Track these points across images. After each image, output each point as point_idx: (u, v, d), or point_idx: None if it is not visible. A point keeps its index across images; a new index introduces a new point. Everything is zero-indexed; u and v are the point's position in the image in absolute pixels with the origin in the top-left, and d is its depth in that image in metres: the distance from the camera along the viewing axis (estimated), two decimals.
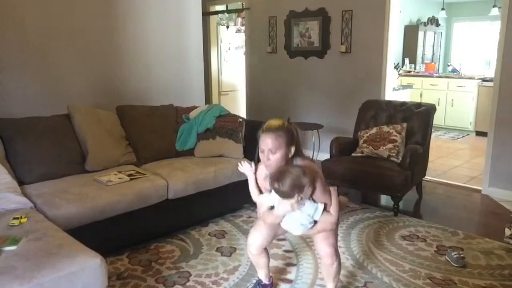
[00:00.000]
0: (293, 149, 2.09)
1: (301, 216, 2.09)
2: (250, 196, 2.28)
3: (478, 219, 3.88)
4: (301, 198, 2.02)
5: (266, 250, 2.39)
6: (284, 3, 5.74)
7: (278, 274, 2.77)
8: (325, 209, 2.13)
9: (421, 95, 7.74)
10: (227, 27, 7.51)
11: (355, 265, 2.88)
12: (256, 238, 2.30)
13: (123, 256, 2.98)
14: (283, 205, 2.05)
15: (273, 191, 2.07)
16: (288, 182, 1.98)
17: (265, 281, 2.51)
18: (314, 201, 2.11)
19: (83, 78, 4.08)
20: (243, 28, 7.23)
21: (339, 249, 3.05)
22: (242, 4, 6.55)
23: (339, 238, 3.24)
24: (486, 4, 7.71)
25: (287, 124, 2.12)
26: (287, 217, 2.12)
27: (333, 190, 2.17)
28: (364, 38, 5.05)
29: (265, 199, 2.17)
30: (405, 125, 3.96)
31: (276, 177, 2.02)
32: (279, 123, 2.10)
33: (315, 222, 2.14)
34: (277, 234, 2.37)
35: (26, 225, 2.28)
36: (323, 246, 2.23)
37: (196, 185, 3.33)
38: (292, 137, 2.09)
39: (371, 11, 4.93)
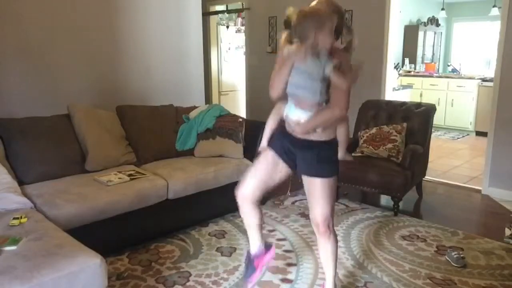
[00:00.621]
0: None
1: (313, 65, 1.89)
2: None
3: (478, 219, 3.88)
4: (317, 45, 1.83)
5: (259, 209, 2.28)
6: (284, 3, 5.71)
7: (278, 274, 2.77)
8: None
9: (421, 95, 7.74)
10: (227, 27, 7.51)
11: (355, 265, 2.88)
12: (243, 188, 2.20)
13: (123, 256, 2.98)
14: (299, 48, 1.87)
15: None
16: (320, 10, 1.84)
17: (255, 250, 2.36)
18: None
19: (83, 78, 4.08)
20: (243, 28, 7.23)
21: (339, 249, 3.06)
22: (242, 4, 6.55)
23: (339, 238, 3.25)
24: (486, 4, 7.71)
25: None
26: (296, 75, 1.94)
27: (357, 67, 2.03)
28: (364, 38, 5.04)
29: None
30: (405, 125, 3.96)
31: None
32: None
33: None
34: (268, 182, 2.22)
35: (26, 225, 2.28)
36: (318, 209, 2.11)
37: (196, 185, 3.33)
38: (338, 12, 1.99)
39: (371, 11, 4.93)
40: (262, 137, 2.30)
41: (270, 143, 2.25)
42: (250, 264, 2.40)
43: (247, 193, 2.22)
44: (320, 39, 1.87)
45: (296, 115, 2.04)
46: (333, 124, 2.09)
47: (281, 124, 2.20)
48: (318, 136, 2.08)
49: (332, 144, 2.16)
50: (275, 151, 2.21)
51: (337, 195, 4.03)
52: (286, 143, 2.16)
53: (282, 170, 2.22)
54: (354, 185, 3.89)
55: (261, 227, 2.36)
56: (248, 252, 2.43)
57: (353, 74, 2.00)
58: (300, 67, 1.95)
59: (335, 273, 2.33)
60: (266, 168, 2.22)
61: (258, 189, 2.22)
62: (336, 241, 2.25)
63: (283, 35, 2.01)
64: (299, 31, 1.89)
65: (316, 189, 2.12)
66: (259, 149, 2.27)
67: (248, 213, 2.29)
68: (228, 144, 3.73)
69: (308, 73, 1.94)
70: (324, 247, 2.24)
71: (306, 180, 2.16)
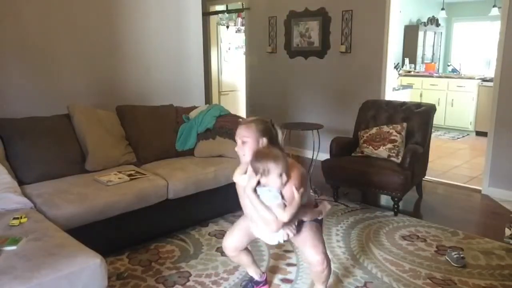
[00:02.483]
0: (265, 140, 2.08)
1: (268, 194, 2.00)
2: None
3: (478, 219, 3.88)
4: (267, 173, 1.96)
5: (246, 248, 2.41)
6: (284, 3, 5.74)
7: (278, 274, 2.77)
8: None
9: (421, 95, 7.74)
10: (227, 27, 7.51)
11: (355, 265, 2.88)
12: (228, 241, 2.34)
13: (123, 256, 2.98)
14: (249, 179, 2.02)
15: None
16: (264, 155, 1.98)
17: (256, 278, 2.53)
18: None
19: (83, 78, 4.08)
20: (243, 28, 7.23)
21: (339, 249, 3.06)
22: (242, 4, 6.55)
23: (339, 238, 3.25)
24: (486, 4, 7.71)
25: (265, 120, 2.15)
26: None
27: (322, 205, 2.20)
28: (364, 38, 5.05)
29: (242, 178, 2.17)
30: (405, 125, 3.96)
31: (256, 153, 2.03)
32: (255, 118, 2.16)
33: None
34: (251, 238, 2.32)
35: (26, 225, 2.28)
36: (312, 254, 2.16)
37: (196, 185, 3.33)
38: (266, 129, 2.11)
39: (371, 11, 4.93)
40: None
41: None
42: (252, 285, 2.56)
43: (231, 247, 2.35)
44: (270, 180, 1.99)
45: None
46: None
47: None
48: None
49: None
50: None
51: (337, 195, 4.05)
52: None
53: None
54: (354, 185, 3.89)
55: (254, 261, 2.51)
56: (251, 279, 2.56)
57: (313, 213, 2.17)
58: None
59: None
60: (245, 234, 2.30)
61: (240, 242, 2.34)
62: (330, 268, 2.25)
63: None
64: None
65: (304, 234, 2.18)
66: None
67: (237, 256, 2.41)
68: (228, 144, 3.72)
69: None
70: (317, 275, 2.25)
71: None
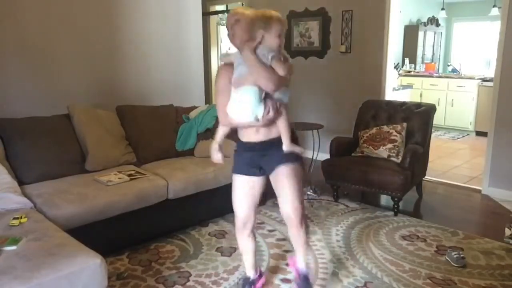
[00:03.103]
0: (251, 20, 2.09)
1: (264, 50, 2.04)
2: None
3: (478, 219, 3.88)
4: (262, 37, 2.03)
5: (253, 233, 2.39)
6: (284, 3, 5.74)
7: (278, 274, 2.77)
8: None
9: (421, 95, 7.74)
10: None
11: (355, 265, 2.88)
12: (239, 215, 2.31)
13: (123, 256, 2.98)
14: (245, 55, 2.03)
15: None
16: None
17: (252, 274, 2.49)
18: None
19: (83, 78, 4.08)
20: None
21: (340, 249, 3.06)
22: (242, 4, 6.55)
23: (339, 238, 3.25)
24: (486, 4, 7.71)
25: None
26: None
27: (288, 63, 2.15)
28: (364, 38, 5.05)
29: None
30: (405, 125, 3.96)
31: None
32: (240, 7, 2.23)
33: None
34: (255, 198, 2.31)
35: (26, 225, 2.28)
36: (287, 209, 2.18)
37: (196, 185, 3.33)
38: (254, 11, 2.15)
39: (371, 11, 4.93)
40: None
41: (234, 168, 2.35)
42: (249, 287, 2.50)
43: (244, 220, 2.32)
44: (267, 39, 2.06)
45: (249, 107, 2.06)
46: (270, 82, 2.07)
47: (236, 147, 2.34)
48: (276, 132, 2.17)
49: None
50: (243, 172, 2.29)
51: (337, 195, 4.05)
52: (248, 157, 2.26)
53: (257, 183, 2.30)
54: (354, 185, 3.89)
55: (255, 253, 2.48)
56: (247, 276, 2.52)
57: (288, 66, 2.11)
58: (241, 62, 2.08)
59: (306, 253, 2.42)
60: (245, 193, 2.30)
61: (250, 213, 2.32)
62: (308, 228, 2.30)
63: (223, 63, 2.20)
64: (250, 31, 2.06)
65: (283, 178, 2.17)
66: (213, 156, 2.36)
67: (246, 240, 2.38)
68: (228, 144, 3.70)
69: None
70: (295, 235, 2.29)
71: (274, 174, 2.21)
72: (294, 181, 2.18)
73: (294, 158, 2.21)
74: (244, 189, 2.29)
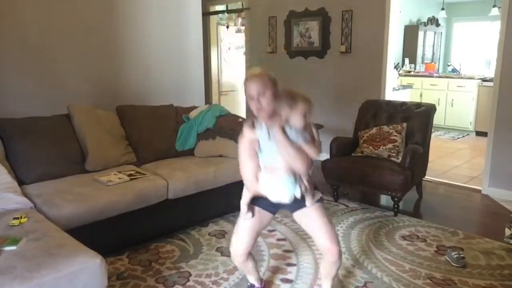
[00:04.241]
0: (277, 90, 2.06)
1: (292, 132, 2.00)
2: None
3: (478, 219, 3.88)
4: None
5: (251, 254, 2.34)
6: (284, 3, 5.74)
7: (278, 274, 2.77)
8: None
9: (421, 95, 7.74)
10: (227, 27, 7.50)
11: (355, 265, 2.88)
12: (238, 247, 2.25)
13: (123, 256, 2.98)
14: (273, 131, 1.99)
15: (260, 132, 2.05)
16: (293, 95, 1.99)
17: (257, 285, 2.51)
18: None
19: (83, 78, 4.08)
20: (243, 28, 7.23)
21: None
22: (242, 4, 6.55)
23: (339, 238, 3.23)
24: (486, 4, 7.71)
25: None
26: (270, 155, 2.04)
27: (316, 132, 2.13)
28: (364, 38, 5.05)
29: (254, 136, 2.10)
30: (405, 125, 3.96)
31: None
32: (259, 69, 2.11)
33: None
34: (258, 233, 2.29)
35: (26, 225, 2.28)
36: (329, 244, 2.16)
37: (196, 185, 3.33)
38: (274, 79, 2.09)
39: (371, 11, 4.93)
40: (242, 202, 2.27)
41: (253, 201, 2.26)
42: None
43: (241, 253, 2.26)
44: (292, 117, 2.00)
45: (287, 194, 2.09)
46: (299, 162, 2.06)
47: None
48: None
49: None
50: (260, 206, 2.23)
51: (337, 195, 4.04)
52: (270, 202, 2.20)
53: (267, 217, 2.27)
54: (354, 185, 3.89)
55: (257, 268, 2.47)
56: (251, 284, 2.52)
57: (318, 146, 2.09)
58: (267, 139, 2.05)
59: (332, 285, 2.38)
60: (253, 224, 2.24)
61: (251, 243, 2.26)
62: (341, 260, 2.27)
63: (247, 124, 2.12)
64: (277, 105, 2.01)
65: (317, 219, 2.17)
66: (241, 213, 2.26)
67: (244, 262, 2.33)
68: (228, 144, 3.73)
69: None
70: (330, 267, 2.26)
71: (302, 215, 2.20)
72: (326, 217, 2.20)
73: (319, 196, 2.23)
74: (254, 219, 2.23)
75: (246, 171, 2.16)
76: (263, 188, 2.12)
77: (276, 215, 2.34)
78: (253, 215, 2.20)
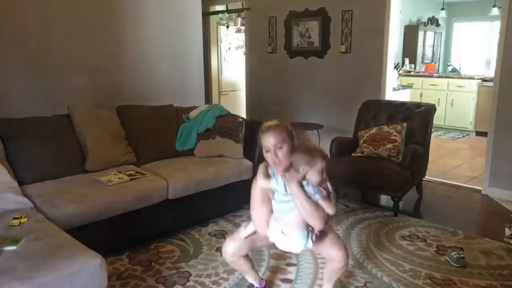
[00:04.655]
0: (294, 143, 2.07)
1: (310, 188, 2.02)
2: (250, 196, 2.21)
3: (478, 219, 3.88)
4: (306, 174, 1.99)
5: (246, 254, 2.34)
6: (284, 3, 5.74)
7: (278, 274, 2.77)
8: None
9: (421, 95, 7.74)
10: (227, 27, 7.50)
11: (355, 265, 2.88)
12: (229, 247, 2.25)
13: (123, 256, 2.98)
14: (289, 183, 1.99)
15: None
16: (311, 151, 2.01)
17: (256, 284, 2.49)
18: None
19: (84, 78, 4.08)
20: (243, 28, 7.23)
21: None
22: (242, 4, 6.55)
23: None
24: (486, 4, 7.71)
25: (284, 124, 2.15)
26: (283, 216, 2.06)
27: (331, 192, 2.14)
28: (364, 38, 5.05)
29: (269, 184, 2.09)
30: (405, 125, 3.96)
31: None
32: (276, 121, 2.11)
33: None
34: (255, 246, 2.31)
35: (26, 225, 2.28)
36: (335, 251, 2.17)
37: (196, 185, 3.33)
38: (291, 132, 2.09)
39: (371, 11, 4.93)
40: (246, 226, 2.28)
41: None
42: None
43: (231, 252, 2.26)
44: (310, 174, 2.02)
45: (298, 246, 2.10)
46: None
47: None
48: None
49: None
50: None
51: (337, 195, 4.04)
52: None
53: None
54: (354, 185, 3.89)
55: (253, 267, 2.46)
56: (251, 284, 2.51)
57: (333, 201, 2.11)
58: (283, 193, 2.05)
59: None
60: (254, 238, 2.24)
61: (241, 249, 2.26)
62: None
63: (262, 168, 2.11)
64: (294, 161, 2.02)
65: (326, 243, 2.18)
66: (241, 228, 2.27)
67: (236, 261, 2.33)
68: (228, 144, 3.73)
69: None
70: (336, 271, 2.27)
71: None
72: (333, 231, 2.22)
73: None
74: (250, 238, 2.24)
75: (257, 216, 2.16)
76: (275, 239, 2.12)
77: None
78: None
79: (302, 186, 1.98)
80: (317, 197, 2.00)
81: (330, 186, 2.09)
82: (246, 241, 2.25)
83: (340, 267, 2.21)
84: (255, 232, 2.20)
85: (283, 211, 2.07)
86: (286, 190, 2.03)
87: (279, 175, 2.04)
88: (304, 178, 2.00)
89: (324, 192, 2.03)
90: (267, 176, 2.07)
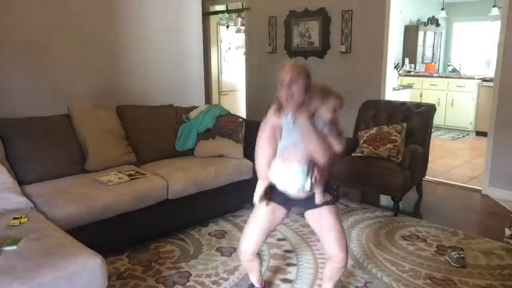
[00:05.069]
0: (310, 83, 2.05)
1: (320, 122, 2.01)
2: (249, 196, 2.22)
3: (478, 219, 3.88)
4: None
5: (259, 254, 2.34)
6: (284, 3, 5.74)
7: (278, 274, 2.77)
8: None
9: (421, 95, 7.74)
10: (227, 27, 7.51)
11: (355, 265, 2.88)
12: (248, 245, 2.23)
13: (123, 256, 2.98)
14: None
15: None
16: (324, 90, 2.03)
17: (257, 284, 2.50)
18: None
19: (83, 78, 4.08)
20: (243, 28, 7.23)
21: None
22: (242, 4, 6.55)
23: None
24: (486, 4, 7.71)
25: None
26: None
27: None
28: (364, 38, 5.05)
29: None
30: (405, 125, 3.96)
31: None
32: (294, 61, 2.11)
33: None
34: (270, 230, 2.28)
35: (26, 225, 2.28)
36: (337, 250, 2.15)
37: (196, 185, 3.33)
38: (309, 72, 2.07)
39: (371, 11, 4.93)
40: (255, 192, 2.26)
41: (268, 194, 2.24)
42: None
43: (251, 251, 2.24)
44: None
45: (296, 183, 2.07)
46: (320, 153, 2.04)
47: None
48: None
49: (327, 186, 2.23)
50: (274, 200, 2.21)
51: (337, 195, 4.05)
52: (286, 196, 2.18)
53: (280, 214, 2.25)
54: (354, 185, 3.89)
55: (260, 269, 2.45)
56: (251, 284, 2.50)
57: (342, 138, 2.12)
58: (291, 127, 2.05)
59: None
60: (266, 220, 2.22)
61: (261, 241, 2.26)
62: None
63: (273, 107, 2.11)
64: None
65: (330, 221, 2.16)
66: (254, 202, 2.24)
67: (251, 261, 2.31)
68: (228, 144, 3.73)
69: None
70: (336, 272, 2.25)
71: (314, 215, 2.19)
72: (338, 221, 2.19)
73: (333, 198, 2.22)
74: (268, 214, 2.20)
75: (261, 157, 2.16)
76: (274, 175, 2.10)
77: (285, 219, 2.32)
78: (267, 204, 2.18)
79: (311, 119, 1.98)
80: (325, 131, 2.00)
81: (342, 129, 2.08)
82: (263, 231, 2.20)
83: (340, 267, 2.21)
84: (266, 191, 2.17)
85: (288, 146, 2.06)
86: (294, 125, 2.01)
87: (290, 113, 2.01)
88: (315, 113, 2.00)
89: (335, 130, 2.04)
90: (279, 113, 2.06)
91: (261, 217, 2.22)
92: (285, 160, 2.06)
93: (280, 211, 2.23)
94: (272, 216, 2.22)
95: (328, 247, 2.20)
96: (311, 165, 2.04)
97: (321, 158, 2.00)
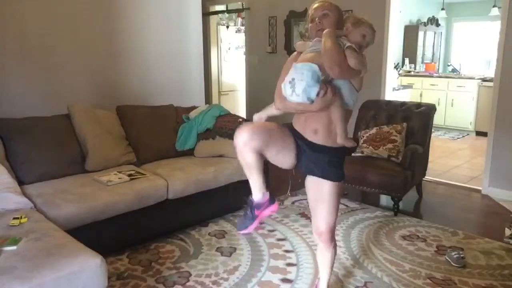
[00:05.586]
0: (341, 19, 2.05)
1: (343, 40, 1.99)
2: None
3: (478, 219, 3.88)
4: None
5: (260, 157, 1.91)
6: (284, 3, 5.74)
7: (278, 274, 2.77)
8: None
9: (421, 95, 7.74)
10: (227, 27, 7.51)
11: (355, 265, 2.88)
12: (246, 134, 1.84)
13: (123, 256, 2.98)
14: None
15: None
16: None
17: (257, 198, 1.97)
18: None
19: (83, 78, 4.08)
20: (243, 28, 7.23)
21: (339, 249, 3.06)
22: (242, 4, 6.55)
23: (339, 238, 3.25)
24: (486, 4, 7.71)
25: None
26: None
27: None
28: None
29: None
30: (405, 125, 3.96)
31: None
32: None
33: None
34: (272, 140, 1.94)
35: (26, 225, 2.28)
36: (323, 227, 2.08)
37: (196, 185, 3.33)
38: (340, 10, 2.09)
39: (371, 11, 4.93)
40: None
41: (289, 128, 2.08)
42: (251, 211, 1.99)
43: (246, 139, 1.84)
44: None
45: (304, 79, 1.87)
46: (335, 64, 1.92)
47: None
48: (331, 142, 2.04)
49: (342, 151, 2.13)
50: (292, 134, 2.04)
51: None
52: (299, 140, 2.05)
53: (286, 154, 2.01)
54: (354, 185, 3.89)
55: (262, 171, 1.95)
56: (251, 199, 2.00)
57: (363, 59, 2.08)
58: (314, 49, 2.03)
59: (330, 276, 2.33)
60: (276, 134, 1.97)
61: (263, 140, 1.88)
62: (336, 249, 2.24)
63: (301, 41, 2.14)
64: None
65: (324, 194, 2.07)
66: (255, 117, 2.13)
67: (248, 158, 1.88)
68: (228, 144, 3.72)
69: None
70: (324, 255, 2.23)
71: (313, 182, 2.10)
72: (334, 199, 2.09)
73: (340, 175, 2.11)
74: (281, 132, 2.00)
75: (279, 84, 2.04)
76: (285, 80, 1.93)
77: (276, 214, 2.27)
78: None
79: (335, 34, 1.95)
80: (347, 46, 1.94)
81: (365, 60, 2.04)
82: (260, 132, 1.89)
83: (324, 248, 2.15)
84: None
85: (308, 52, 2.03)
86: (319, 42, 1.97)
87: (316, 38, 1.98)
88: (344, 35, 1.98)
89: (356, 47, 1.99)
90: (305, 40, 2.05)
91: (274, 128, 1.99)
92: (299, 64, 1.96)
93: (290, 140, 2.02)
94: (282, 134, 2.01)
95: (315, 222, 2.15)
96: (323, 74, 1.90)
97: (329, 65, 1.88)
